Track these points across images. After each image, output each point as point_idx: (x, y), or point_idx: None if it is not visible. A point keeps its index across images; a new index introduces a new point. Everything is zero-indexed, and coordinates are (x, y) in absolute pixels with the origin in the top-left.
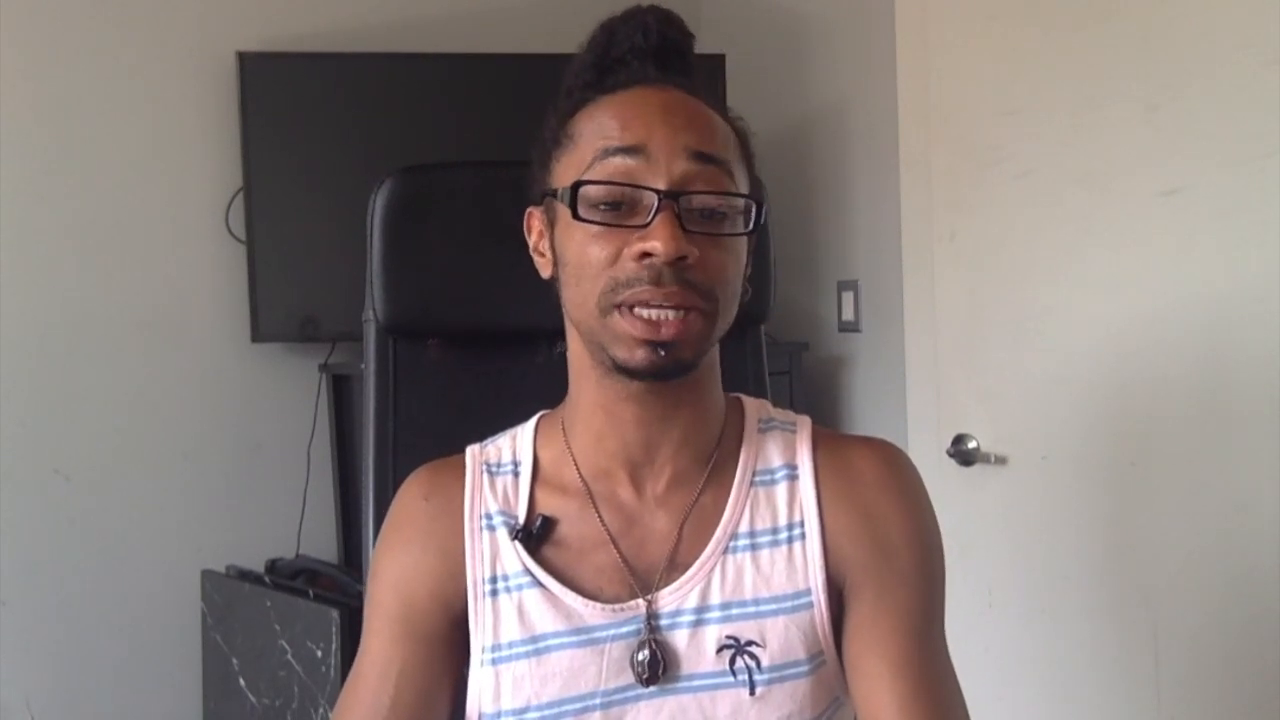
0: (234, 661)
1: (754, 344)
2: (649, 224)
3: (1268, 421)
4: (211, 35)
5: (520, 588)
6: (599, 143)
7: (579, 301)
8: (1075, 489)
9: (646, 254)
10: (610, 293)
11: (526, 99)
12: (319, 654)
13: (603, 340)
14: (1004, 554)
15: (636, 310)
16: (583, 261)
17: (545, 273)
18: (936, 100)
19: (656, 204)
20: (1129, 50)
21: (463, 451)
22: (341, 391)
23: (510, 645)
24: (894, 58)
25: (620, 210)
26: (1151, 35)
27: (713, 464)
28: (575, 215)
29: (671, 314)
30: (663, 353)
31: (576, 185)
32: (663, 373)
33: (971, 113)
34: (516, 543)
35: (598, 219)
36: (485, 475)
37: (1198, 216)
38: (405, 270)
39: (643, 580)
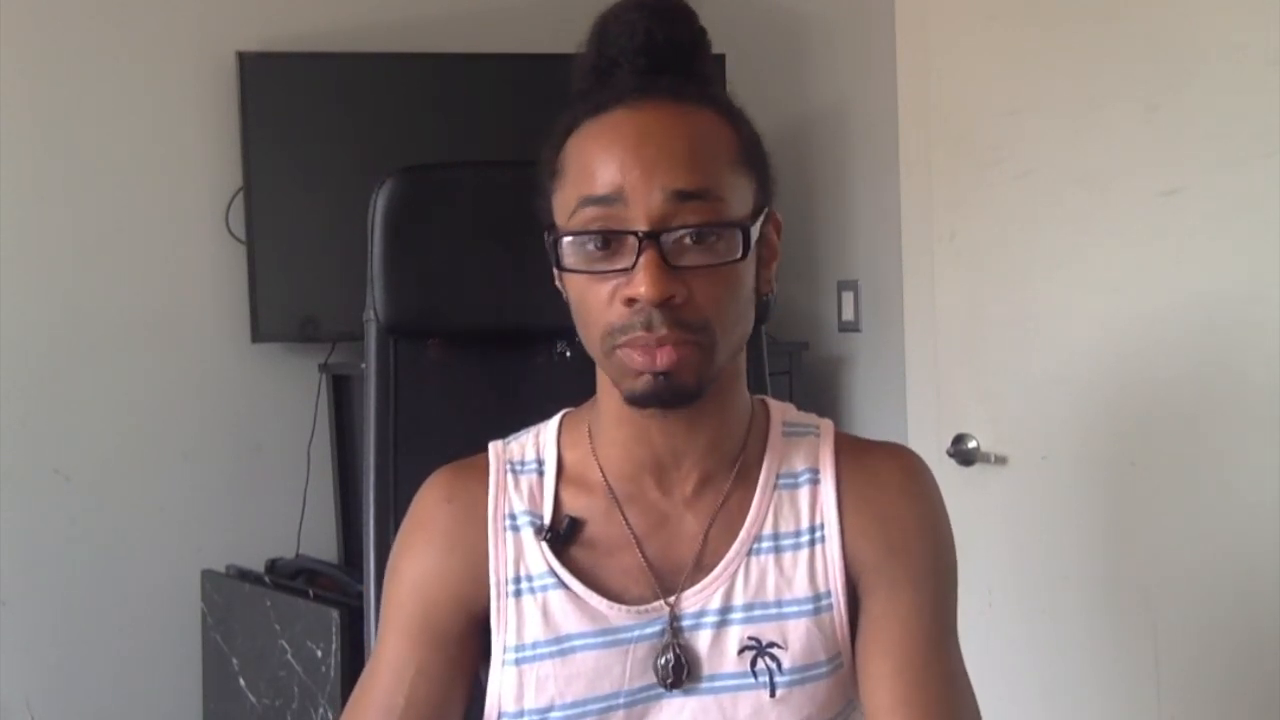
0: (234, 661)
1: (754, 344)
2: (634, 267)
3: (1268, 421)
4: (211, 35)
5: (545, 588)
6: (580, 188)
7: (586, 339)
8: (1075, 489)
9: (634, 299)
10: (608, 337)
11: (526, 99)
12: (319, 654)
13: (611, 375)
14: (1004, 554)
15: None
16: (581, 305)
17: (565, 295)
18: (936, 100)
19: (638, 246)
20: (1129, 50)
21: (474, 451)
22: (341, 391)
23: (534, 645)
24: (894, 58)
25: (609, 250)
26: (1151, 35)
27: (739, 467)
28: (560, 267)
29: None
30: (663, 379)
31: (556, 240)
32: (666, 401)
33: (971, 113)
34: (543, 543)
35: (584, 267)
36: (509, 474)
37: (1198, 216)
38: (406, 270)
39: (667, 582)
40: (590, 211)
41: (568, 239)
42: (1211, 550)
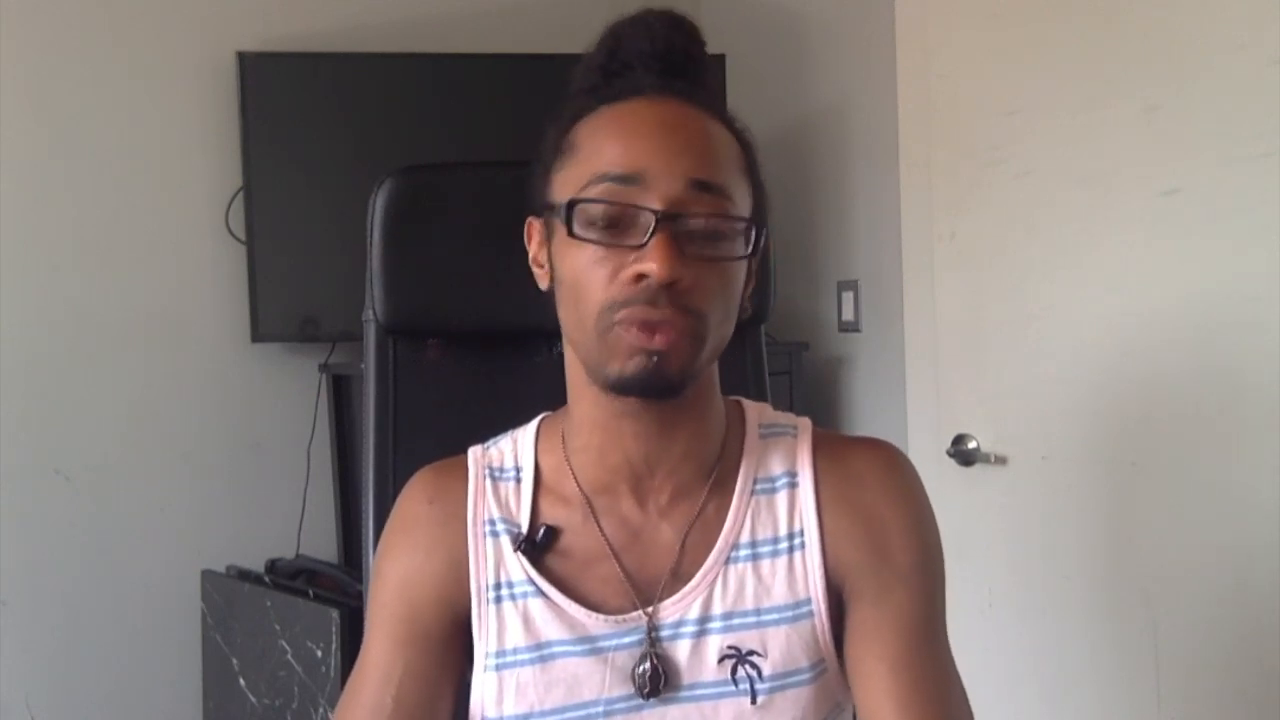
0: (234, 661)
1: (754, 344)
2: (645, 245)
3: (1268, 421)
4: (211, 35)
5: (525, 595)
6: (596, 165)
7: (576, 321)
8: (1075, 489)
9: (642, 275)
10: (607, 312)
11: (526, 99)
12: (319, 654)
13: (599, 358)
14: (1004, 554)
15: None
16: (579, 282)
17: (543, 284)
18: (936, 100)
19: (653, 225)
20: (1129, 50)
21: (463, 452)
22: (341, 391)
23: (515, 651)
24: (894, 58)
25: (617, 229)
26: (1151, 35)
27: (715, 474)
28: (571, 233)
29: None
30: (655, 360)
31: (572, 203)
32: (652, 386)
33: (971, 113)
34: (520, 554)
35: (594, 238)
36: (488, 480)
37: (1198, 216)
38: (405, 270)
39: (645, 592)
40: (604, 188)
41: (579, 207)
42: (1212, 550)
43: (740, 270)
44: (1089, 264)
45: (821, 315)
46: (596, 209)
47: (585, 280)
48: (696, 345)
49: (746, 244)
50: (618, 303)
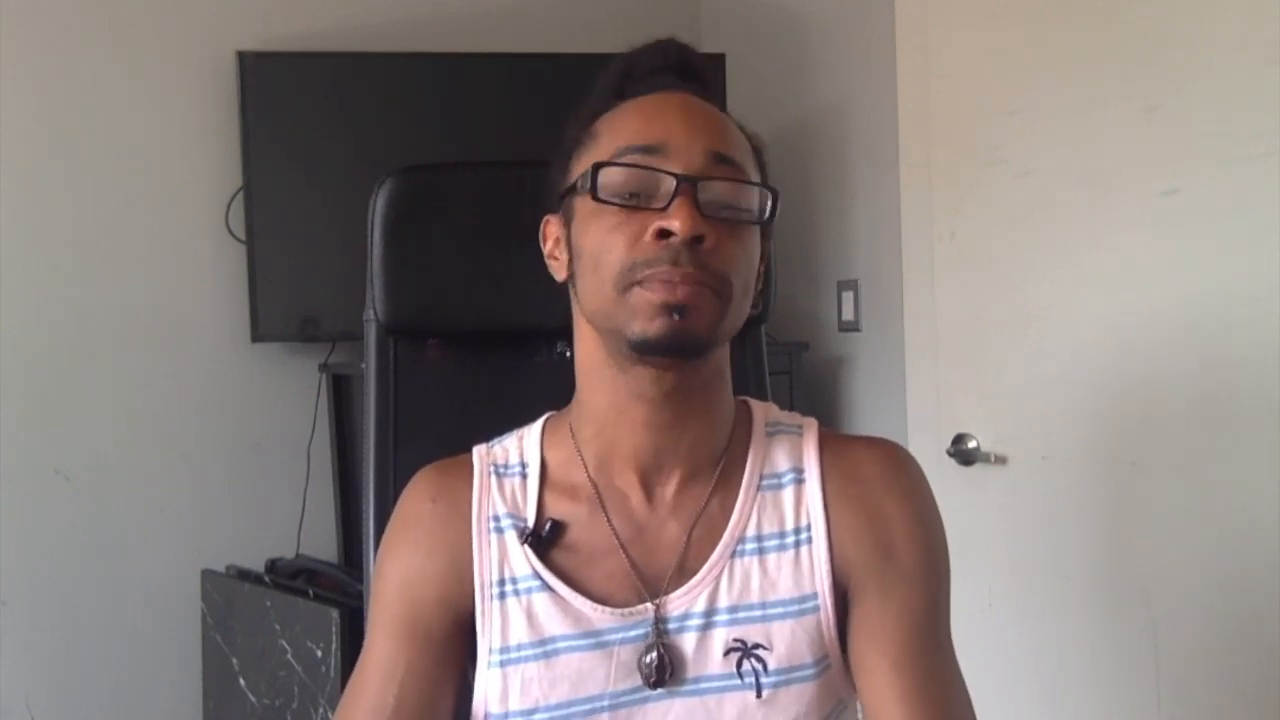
0: (234, 661)
1: (754, 344)
2: (667, 207)
3: (1268, 421)
4: (211, 35)
5: (529, 591)
6: (619, 140)
7: (595, 287)
8: (1075, 489)
9: (665, 233)
10: (629, 271)
11: (526, 99)
12: (319, 654)
13: (619, 321)
14: (1004, 554)
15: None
16: (600, 247)
17: (560, 275)
18: (936, 100)
19: (675, 188)
20: (1129, 50)
21: (466, 451)
22: (341, 391)
23: (519, 647)
24: (894, 58)
25: (639, 198)
26: (1151, 35)
27: (721, 468)
28: (595, 196)
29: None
30: (677, 317)
31: (597, 166)
32: (677, 344)
33: (971, 113)
34: (526, 547)
35: (618, 202)
36: (493, 477)
37: (1198, 216)
38: (406, 270)
39: (651, 585)
40: (628, 159)
41: (604, 170)
42: (1211, 550)
43: (757, 243)
44: (1089, 264)
45: (821, 315)
46: (620, 174)
47: (607, 245)
48: (720, 305)
49: (764, 211)
50: (639, 263)
